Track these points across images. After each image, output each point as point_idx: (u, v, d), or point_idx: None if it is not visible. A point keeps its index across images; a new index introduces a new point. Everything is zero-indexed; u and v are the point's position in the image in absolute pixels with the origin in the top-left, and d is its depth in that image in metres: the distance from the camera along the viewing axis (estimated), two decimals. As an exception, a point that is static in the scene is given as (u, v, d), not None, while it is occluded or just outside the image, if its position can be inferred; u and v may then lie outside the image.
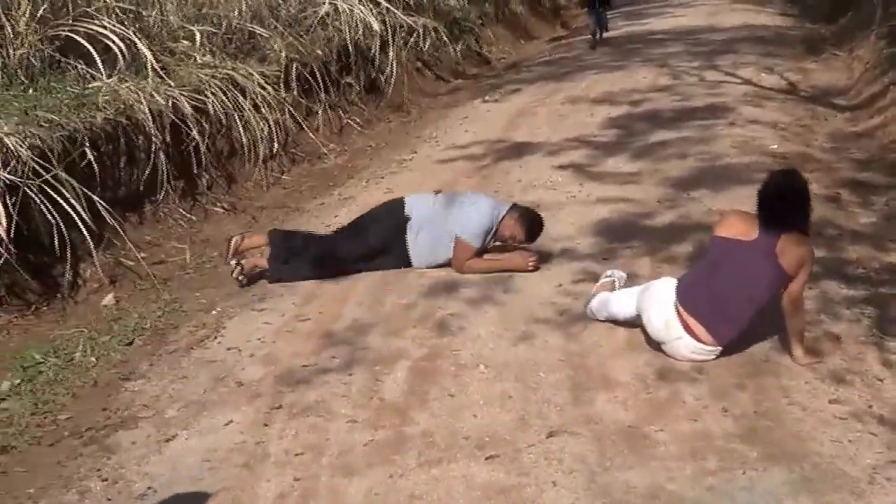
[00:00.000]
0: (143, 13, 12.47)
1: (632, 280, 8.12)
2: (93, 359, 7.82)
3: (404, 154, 13.80)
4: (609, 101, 15.90)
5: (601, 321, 7.63)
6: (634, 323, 7.36)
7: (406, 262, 9.27)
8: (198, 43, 12.75)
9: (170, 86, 11.48)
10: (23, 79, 10.42)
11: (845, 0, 23.63)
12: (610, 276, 8.07)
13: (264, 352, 7.64)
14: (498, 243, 9.28)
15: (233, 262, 9.16)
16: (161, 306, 8.79)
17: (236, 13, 14.24)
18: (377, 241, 9.24)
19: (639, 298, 7.26)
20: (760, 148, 12.37)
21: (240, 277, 9.11)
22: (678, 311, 6.85)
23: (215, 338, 8.01)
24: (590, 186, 11.31)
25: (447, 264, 9.15)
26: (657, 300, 7.04)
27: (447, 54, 20.29)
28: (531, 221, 9.15)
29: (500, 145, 13.64)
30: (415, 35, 18.20)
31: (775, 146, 12.43)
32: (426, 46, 18.70)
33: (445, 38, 19.50)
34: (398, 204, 9.41)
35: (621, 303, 7.51)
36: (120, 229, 9.79)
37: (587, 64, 20.10)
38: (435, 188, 10.56)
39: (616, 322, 7.55)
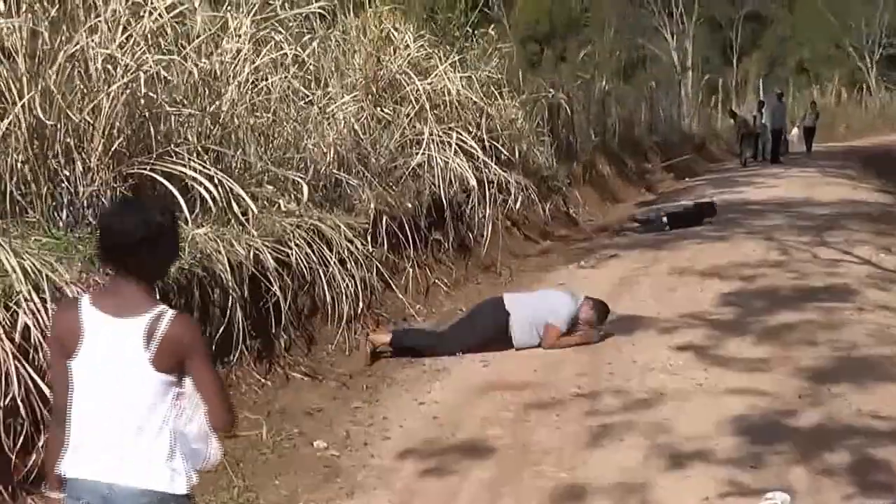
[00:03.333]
0: (227, 154, 11.38)
1: (795, 500, 6.82)
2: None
3: (498, 321, 12.62)
4: (718, 274, 14.75)
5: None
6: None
7: (508, 345, 11.42)
8: (305, 193, 11.65)
9: (252, 235, 10.34)
10: (90, 219, 9.31)
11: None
12: (771, 498, 6.77)
13: (357, 569, 6.37)
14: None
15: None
16: (233, 496, 7.46)
17: (324, 159, 13.14)
18: (483, 338, 11.39)
19: None
20: (897, 338, 11.09)
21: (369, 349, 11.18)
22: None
23: (297, 544, 6.74)
24: (715, 373, 10.06)
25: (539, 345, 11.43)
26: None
27: (536, 214, 19.33)
28: (602, 308, 11.75)
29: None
30: (505, 192, 17.12)
31: (914, 336, 11.15)
32: (517, 205, 17.59)
33: (534, 197, 18.39)
34: (499, 301, 11.79)
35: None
36: (188, 396, 8.55)
37: (686, 232, 18.99)
38: (535, 367, 10.73)
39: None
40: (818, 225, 19.20)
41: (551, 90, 23.41)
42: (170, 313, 4.17)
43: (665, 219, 20.55)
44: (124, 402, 4.16)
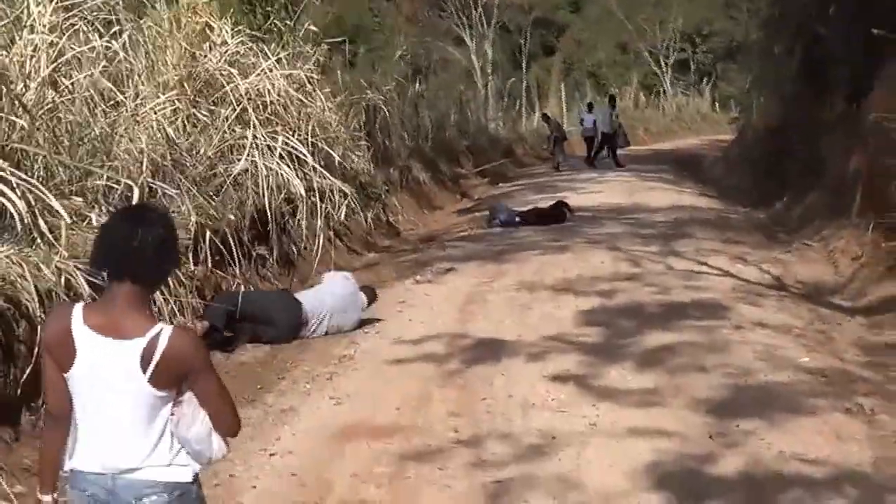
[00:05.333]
0: (28, 161, 9.75)
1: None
2: None
3: (341, 347, 11.27)
4: (571, 289, 13.61)
5: None
6: None
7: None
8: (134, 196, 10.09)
9: (62, 256, 8.74)
10: None
11: (771, 184, 22.35)
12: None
13: None
14: None
15: None
16: None
17: (137, 166, 11.54)
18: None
19: None
20: (788, 360, 10.14)
21: None
22: None
23: None
24: (606, 409, 8.83)
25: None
26: None
27: (357, 223, 17.90)
28: (371, 295, 12.74)
29: (463, 342, 11.23)
30: (327, 200, 15.63)
31: (805, 359, 10.21)
32: (341, 214, 16.12)
33: (355, 206, 16.97)
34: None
35: None
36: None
37: (523, 242, 17.85)
38: (397, 404, 9.22)
39: None
40: (661, 233, 18.35)
41: (368, 91, 22.02)
42: (167, 331, 4.02)
43: (518, 218, 20.67)
44: (123, 415, 4.05)
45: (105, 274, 4.12)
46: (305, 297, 12.05)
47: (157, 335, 3.98)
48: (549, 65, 68.25)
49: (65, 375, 4.06)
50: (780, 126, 25.93)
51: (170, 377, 4.03)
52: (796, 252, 16.22)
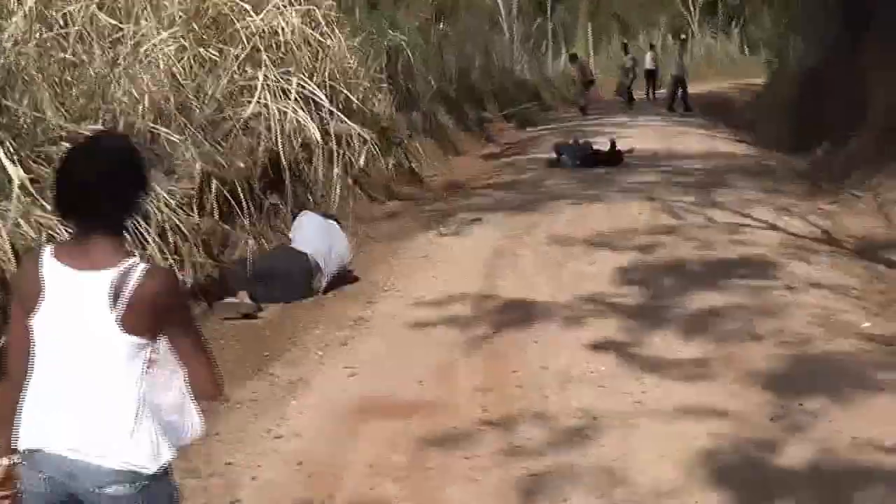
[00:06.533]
0: (10, 105, 8.84)
1: None
2: None
3: (357, 307, 10.39)
4: (607, 244, 12.73)
5: None
6: None
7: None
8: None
9: (45, 209, 7.87)
10: None
11: (809, 129, 21.28)
12: None
13: None
14: None
15: None
16: None
17: (137, 111, 10.63)
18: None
19: None
20: (849, 326, 9.22)
21: None
22: None
23: None
24: (652, 383, 7.90)
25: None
26: None
27: (377, 170, 16.96)
28: None
29: (491, 303, 10.34)
30: (345, 146, 14.71)
31: (867, 324, 9.29)
32: (361, 161, 15.18)
33: (376, 151, 16.05)
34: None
35: None
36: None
37: (554, 191, 17.07)
38: (419, 377, 8.29)
39: None
40: (699, 182, 17.53)
41: (390, 32, 21.08)
42: (142, 266, 3.64)
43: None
44: (87, 368, 3.60)
45: (68, 217, 3.84)
46: (303, 245, 11.23)
47: (131, 268, 3.59)
48: (575, 7, 67.20)
49: (31, 325, 3.63)
50: (817, 68, 24.91)
51: (143, 319, 3.59)
52: (843, 202, 15.29)
